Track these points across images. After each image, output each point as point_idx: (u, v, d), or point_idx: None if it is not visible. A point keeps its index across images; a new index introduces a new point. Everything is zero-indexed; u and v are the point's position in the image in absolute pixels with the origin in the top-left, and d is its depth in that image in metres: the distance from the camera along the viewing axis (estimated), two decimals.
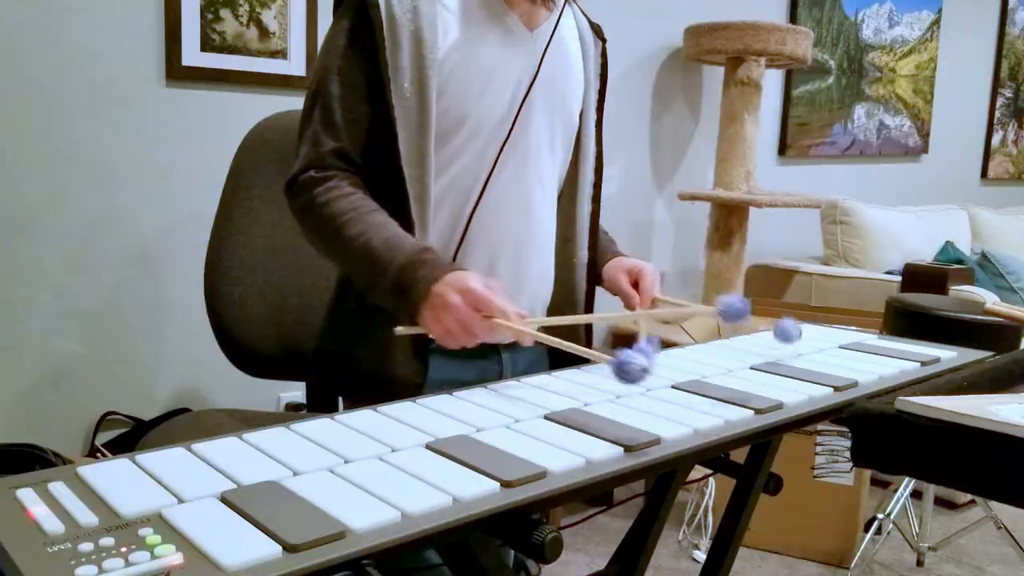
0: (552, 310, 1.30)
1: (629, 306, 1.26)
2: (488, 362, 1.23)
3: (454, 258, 1.17)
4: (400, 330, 1.04)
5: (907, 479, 2.40)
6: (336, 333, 1.21)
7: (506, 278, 1.20)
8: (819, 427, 2.39)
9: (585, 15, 1.33)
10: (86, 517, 0.63)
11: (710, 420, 0.89)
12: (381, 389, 1.13)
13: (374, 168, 1.14)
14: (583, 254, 1.30)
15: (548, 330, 1.07)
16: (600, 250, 1.34)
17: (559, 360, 1.28)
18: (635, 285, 1.27)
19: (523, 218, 1.21)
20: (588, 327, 1.33)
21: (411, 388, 1.13)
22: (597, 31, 1.34)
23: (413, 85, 1.10)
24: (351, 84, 1.12)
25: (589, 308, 1.32)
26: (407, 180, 1.11)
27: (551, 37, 1.20)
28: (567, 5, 1.25)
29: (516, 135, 1.18)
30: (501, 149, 1.17)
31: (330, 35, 1.16)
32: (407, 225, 1.12)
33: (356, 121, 1.13)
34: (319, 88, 1.14)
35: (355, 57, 1.12)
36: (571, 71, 1.26)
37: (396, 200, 1.12)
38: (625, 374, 0.91)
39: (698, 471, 1.29)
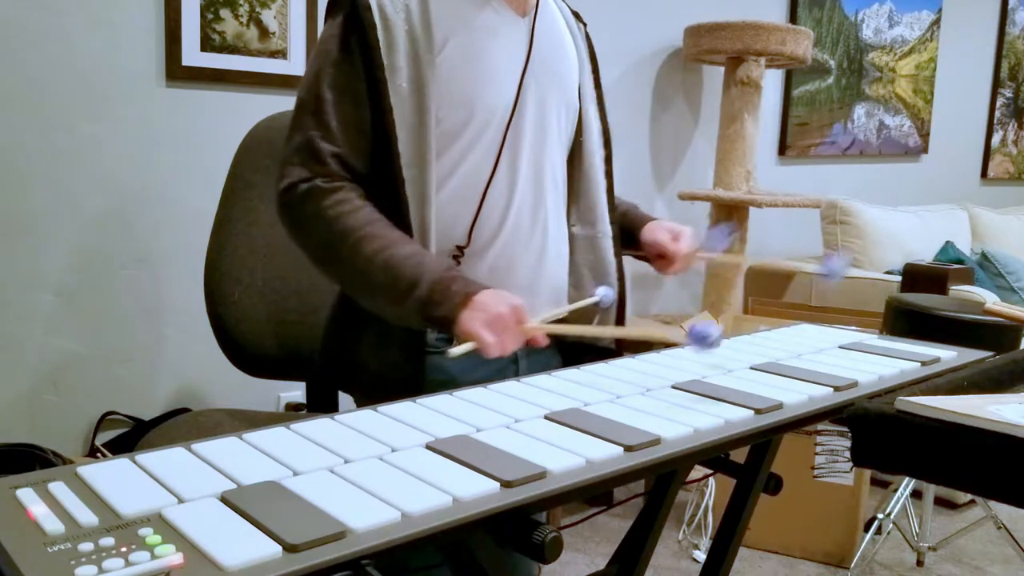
0: (582, 291, 1.29)
1: (668, 261, 1.31)
2: (505, 361, 1.21)
3: (464, 249, 1.17)
4: (454, 351, 1.00)
5: (907, 479, 2.40)
6: (339, 332, 1.22)
7: (523, 274, 1.21)
8: (819, 427, 2.39)
9: (564, 2, 1.36)
10: (86, 517, 0.63)
11: (710, 420, 0.89)
12: (382, 387, 1.13)
13: (370, 173, 1.13)
14: (605, 227, 1.30)
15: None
16: (636, 218, 1.37)
17: (572, 359, 1.28)
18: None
19: (537, 208, 1.22)
20: (621, 316, 1.33)
21: (410, 386, 1.13)
22: (577, 16, 1.36)
23: (411, 84, 1.10)
24: (345, 89, 1.11)
25: (621, 281, 1.31)
26: (406, 182, 1.10)
27: (534, 19, 1.22)
28: None
29: (521, 121, 1.18)
30: (504, 135, 1.17)
31: (322, 40, 1.14)
32: (405, 229, 1.10)
33: (352, 127, 1.11)
34: (311, 95, 1.12)
35: (348, 61, 1.11)
36: (565, 53, 1.28)
37: (393, 203, 1.11)
38: (704, 344, 1.00)
39: (698, 471, 1.29)
